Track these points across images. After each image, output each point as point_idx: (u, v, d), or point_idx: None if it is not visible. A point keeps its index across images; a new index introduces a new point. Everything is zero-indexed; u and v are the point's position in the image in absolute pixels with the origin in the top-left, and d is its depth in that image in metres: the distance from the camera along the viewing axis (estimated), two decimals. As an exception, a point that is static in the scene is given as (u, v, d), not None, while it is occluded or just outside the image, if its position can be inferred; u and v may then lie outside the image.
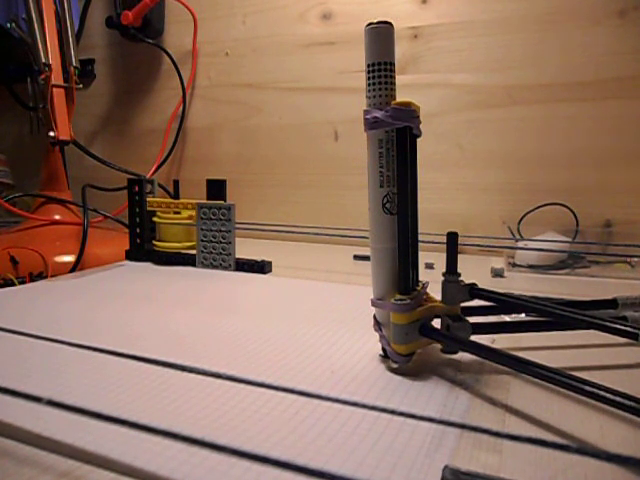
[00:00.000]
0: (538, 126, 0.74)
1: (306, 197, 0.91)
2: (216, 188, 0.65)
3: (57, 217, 0.75)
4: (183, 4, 0.93)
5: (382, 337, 0.32)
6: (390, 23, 0.32)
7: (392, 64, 0.32)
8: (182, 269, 0.62)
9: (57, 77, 0.75)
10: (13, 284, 0.56)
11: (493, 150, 0.77)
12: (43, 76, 0.74)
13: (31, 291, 0.52)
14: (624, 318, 0.36)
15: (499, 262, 0.64)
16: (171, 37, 0.99)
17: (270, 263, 0.63)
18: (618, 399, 0.23)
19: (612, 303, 0.39)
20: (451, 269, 0.33)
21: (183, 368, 0.19)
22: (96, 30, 1.05)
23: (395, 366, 0.31)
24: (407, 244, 0.31)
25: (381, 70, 0.31)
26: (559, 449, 0.15)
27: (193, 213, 0.64)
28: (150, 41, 0.95)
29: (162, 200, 0.66)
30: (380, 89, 0.31)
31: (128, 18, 0.88)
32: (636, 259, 0.61)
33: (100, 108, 1.08)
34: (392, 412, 0.16)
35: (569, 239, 0.66)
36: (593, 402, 0.26)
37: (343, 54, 0.85)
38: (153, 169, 0.96)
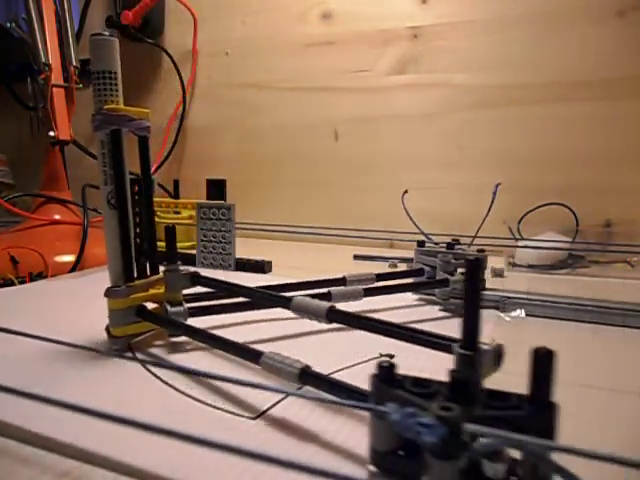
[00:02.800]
0: (538, 126, 0.74)
1: (306, 197, 0.90)
2: (216, 188, 0.65)
3: (57, 217, 0.75)
4: (183, 4, 0.93)
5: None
6: (113, 35, 0.35)
7: (112, 72, 0.34)
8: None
9: (57, 77, 0.75)
10: (13, 284, 0.56)
11: (493, 150, 0.77)
12: (43, 76, 0.74)
13: (31, 291, 0.52)
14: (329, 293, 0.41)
15: (499, 262, 0.64)
16: (171, 37, 0.99)
17: (270, 263, 0.63)
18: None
19: (342, 280, 0.45)
20: (171, 259, 0.37)
21: (178, 369, 0.19)
22: (96, 30, 1.04)
23: (115, 347, 0.35)
24: (128, 236, 0.35)
25: (101, 78, 0.34)
26: (559, 449, 0.15)
27: (193, 213, 0.64)
28: (150, 41, 0.95)
29: (162, 200, 0.66)
30: (100, 95, 0.34)
31: (128, 18, 0.88)
32: (636, 259, 0.61)
33: (100, 108, 1.08)
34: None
35: (569, 239, 0.66)
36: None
37: (343, 54, 0.85)
38: (153, 169, 0.96)
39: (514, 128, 0.76)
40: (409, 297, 0.49)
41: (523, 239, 0.67)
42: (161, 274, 0.37)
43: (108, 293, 0.34)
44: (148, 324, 0.35)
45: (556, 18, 0.72)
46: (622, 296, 0.42)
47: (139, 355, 0.34)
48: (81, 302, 0.47)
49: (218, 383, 0.29)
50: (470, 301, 0.18)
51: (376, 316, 0.29)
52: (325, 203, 0.89)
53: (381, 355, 0.34)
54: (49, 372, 0.31)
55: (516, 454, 0.16)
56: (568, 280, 0.59)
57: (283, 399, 0.27)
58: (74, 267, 0.61)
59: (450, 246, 0.49)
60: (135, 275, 0.36)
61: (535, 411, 0.16)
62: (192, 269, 0.39)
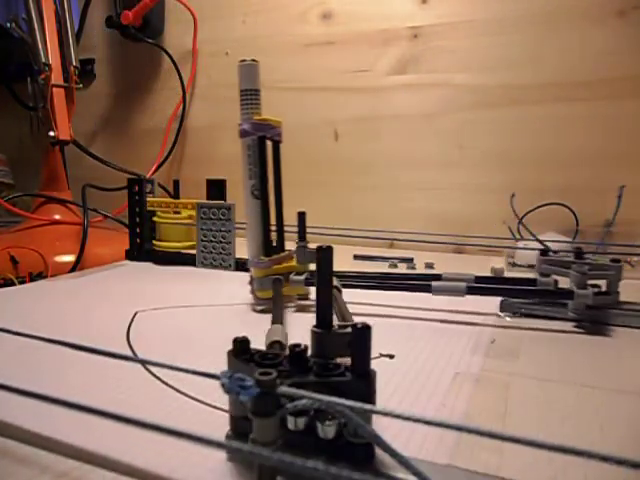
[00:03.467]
0: (538, 126, 0.74)
1: (306, 197, 0.90)
2: (216, 188, 0.65)
3: (57, 217, 0.75)
4: (183, 4, 0.93)
5: (251, 287, 0.46)
6: (256, 61, 0.45)
7: (257, 90, 0.44)
8: (182, 269, 0.62)
9: (57, 77, 0.75)
10: (13, 284, 0.56)
11: (493, 150, 0.77)
12: (43, 76, 0.74)
13: (31, 291, 0.52)
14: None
15: (499, 262, 0.64)
16: (171, 37, 0.99)
17: (270, 263, 0.63)
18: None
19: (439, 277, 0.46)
20: (301, 237, 0.48)
21: (178, 369, 0.19)
22: (96, 30, 1.05)
23: (259, 308, 0.45)
24: (267, 220, 0.45)
25: (249, 95, 0.44)
26: (559, 449, 0.15)
27: (193, 213, 0.64)
28: (150, 41, 0.95)
29: (162, 200, 0.66)
30: (248, 108, 0.44)
31: (128, 18, 0.88)
32: (636, 259, 0.61)
33: (100, 108, 1.08)
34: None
35: (569, 239, 0.66)
36: (594, 401, 0.26)
37: (343, 54, 0.85)
38: (153, 169, 0.96)
39: (514, 128, 0.76)
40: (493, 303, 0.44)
41: (523, 239, 0.67)
42: (286, 251, 0.47)
43: (254, 264, 0.45)
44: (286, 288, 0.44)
45: (556, 18, 0.72)
46: (622, 296, 0.42)
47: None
48: (81, 302, 0.47)
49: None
50: (322, 286, 0.21)
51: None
52: (325, 203, 0.89)
53: (381, 355, 0.34)
54: (47, 371, 0.31)
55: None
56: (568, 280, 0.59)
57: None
58: (74, 267, 0.61)
59: (578, 255, 0.44)
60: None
61: (355, 378, 0.19)
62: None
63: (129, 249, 0.67)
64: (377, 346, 0.35)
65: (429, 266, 0.64)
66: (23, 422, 0.24)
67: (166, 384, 0.29)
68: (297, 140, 0.90)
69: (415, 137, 0.82)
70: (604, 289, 0.42)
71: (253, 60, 0.44)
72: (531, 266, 0.63)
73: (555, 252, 0.47)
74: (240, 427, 0.20)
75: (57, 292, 0.51)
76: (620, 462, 0.13)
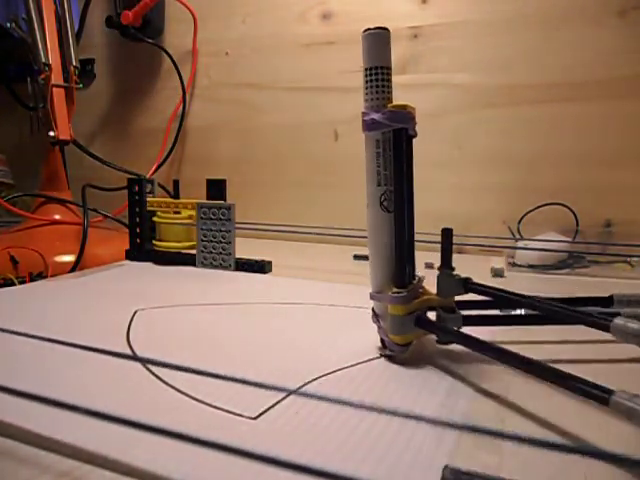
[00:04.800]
0: (538, 126, 0.74)
1: (306, 197, 0.90)
2: (216, 188, 0.65)
3: (57, 217, 0.75)
4: (183, 4, 0.93)
5: (380, 328, 0.34)
6: (387, 29, 0.33)
7: (389, 68, 0.34)
8: (182, 269, 0.62)
9: (57, 77, 0.75)
10: (13, 284, 0.56)
11: (493, 150, 0.77)
12: (43, 76, 0.74)
13: (31, 291, 0.52)
14: (617, 314, 0.35)
15: (499, 262, 0.64)
16: (171, 37, 0.99)
17: (270, 263, 0.63)
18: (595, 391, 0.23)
19: (608, 300, 0.39)
20: (446, 264, 0.35)
21: (178, 368, 0.19)
22: (96, 30, 1.05)
23: (392, 354, 0.33)
24: (403, 240, 0.32)
25: (378, 74, 0.34)
26: (559, 449, 0.15)
27: (193, 213, 0.64)
28: (150, 41, 0.95)
29: (162, 200, 0.66)
30: (377, 92, 0.34)
31: (128, 18, 0.88)
32: (636, 259, 0.61)
33: (100, 108, 1.08)
34: (393, 413, 0.16)
35: (569, 239, 0.66)
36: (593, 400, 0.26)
37: (343, 54, 0.85)
38: (153, 169, 0.96)
39: (514, 128, 0.76)
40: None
41: (523, 239, 0.67)
42: (417, 280, 0.34)
43: (393, 299, 0.32)
44: (421, 331, 0.33)
45: (556, 18, 0.72)
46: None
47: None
48: (81, 302, 0.47)
49: (219, 382, 0.29)
50: None
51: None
52: (325, 203, 0.89)
53: (381, 355, 0.34)
54: (47, 372, 0.31)
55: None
56: (568, 280, 0.59)
57: (284, 399, 0.27)
58: (74, 267, 0.61)
59: None
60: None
61: None
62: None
63: (129, 249, 0.67)
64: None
65: (429, 266, 0.64)
66: (23, 422, 0.24)
67: (166, 383, 0.29)
68: (297, 140, 0.90)
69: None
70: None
71: (381, 28, 0.34)
72: (531, 266, 0.63)
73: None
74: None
75: (57, 292, 0.51)
76: (621, 460, 0.13)
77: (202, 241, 0.63)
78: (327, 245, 0.83)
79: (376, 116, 0.33)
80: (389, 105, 0.33)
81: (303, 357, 0.34)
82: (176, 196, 0.69)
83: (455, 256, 0.36)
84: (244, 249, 0.64)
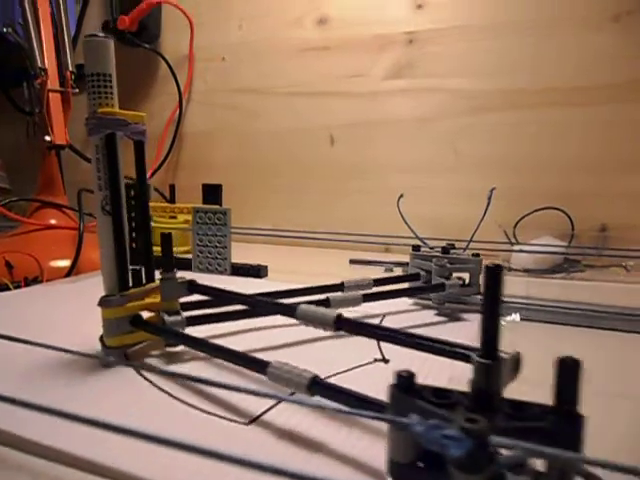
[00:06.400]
0: (533, 131, 0.75)
1: (302, 202, 0.91)
2: (212, 193, 0.65)
3: (53, 221, 0.75)
4: (180, 9, 0.93)
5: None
6: (109, 37, 0.32)
7: (109, 75, 0.32)
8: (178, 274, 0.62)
9: (53, 82, 0.75)
10: (8, 289, 0.55)
11: (488, 155, 0.77)
12: (39, 81, 0.74)
13: (26, 296, 0.52)
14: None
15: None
16: (168, 42, 0.99)
17: (266, 267, 0.63)
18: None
19: (340, 286, 0.45)
20: (167, 267, 0.36)
21: (172, 374, 0.19)
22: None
23: (111, 359, 0.33)
24: (122, 244, 0.34)
25: (95, 80, 0.32)
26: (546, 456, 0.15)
27: (189, 217, 0.64)
28: (147, 46, 0.95)
29: (158, 204, 0.66)
30: (94, 98, 0.33)
31: (125, 23, 0.88)
32: (631, 263, 0.62)
33: (96, 113, 1.08)
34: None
35: (565, 243, 0.66)
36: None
37: (339, 59, 0.85)
38: (149, 174, 0.96)
39: (510, 133, 0.76)
40: (405, 302, 0.49)
41: (519, 243, 0.67)
42: (157, 282, 0.36)
43: (102, 302, 0.33)
44: (144, 334, 0.34)
45: (551, 23, 0.72)
46: (617, 300, 0.42)
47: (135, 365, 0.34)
48: (77, 307, 0.47)
49: (212, 389, 0.28)
50: (489, 309, 0.18)
51: (374, 321, 0.29)
52: (321, 208, 0.89)
53: (375, 360, 0.34)
54: (42, 378, 0.31)
55: (539, 466, 0.15)
56: (564, 284, 0.59)
57: (275, 405, 0.27)
58: (70, 272, 0.61)
59: (445, 250, 0.50)
60: (130, 283, 0.35)
61: (561, 422, 0.16)
62: (189, 276, 0.38)
63: (125, 254, 0.67)
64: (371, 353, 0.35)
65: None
66: (17, 429, 0.24)
67: (161, 390, 0.29)
68: (293, 145, 0.90)
69: (411, 142, 0.82)
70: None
71: (104, 36, 0.32)
72: (527, 270, 0.64)
73: (432, 248, 0.53)
74: (407, 475, 0.17)
75: (53, 297, 0.51)
76: (618, 469, 0.13)
77: (198, 246, 0.63)
78: (323, 250, 0.83)
79: (92, 121, 0.33)
80: (99, 110, 0.33)
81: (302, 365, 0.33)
82: (172, 201, 0.69)
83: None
84: (240, 254, 0.64)
